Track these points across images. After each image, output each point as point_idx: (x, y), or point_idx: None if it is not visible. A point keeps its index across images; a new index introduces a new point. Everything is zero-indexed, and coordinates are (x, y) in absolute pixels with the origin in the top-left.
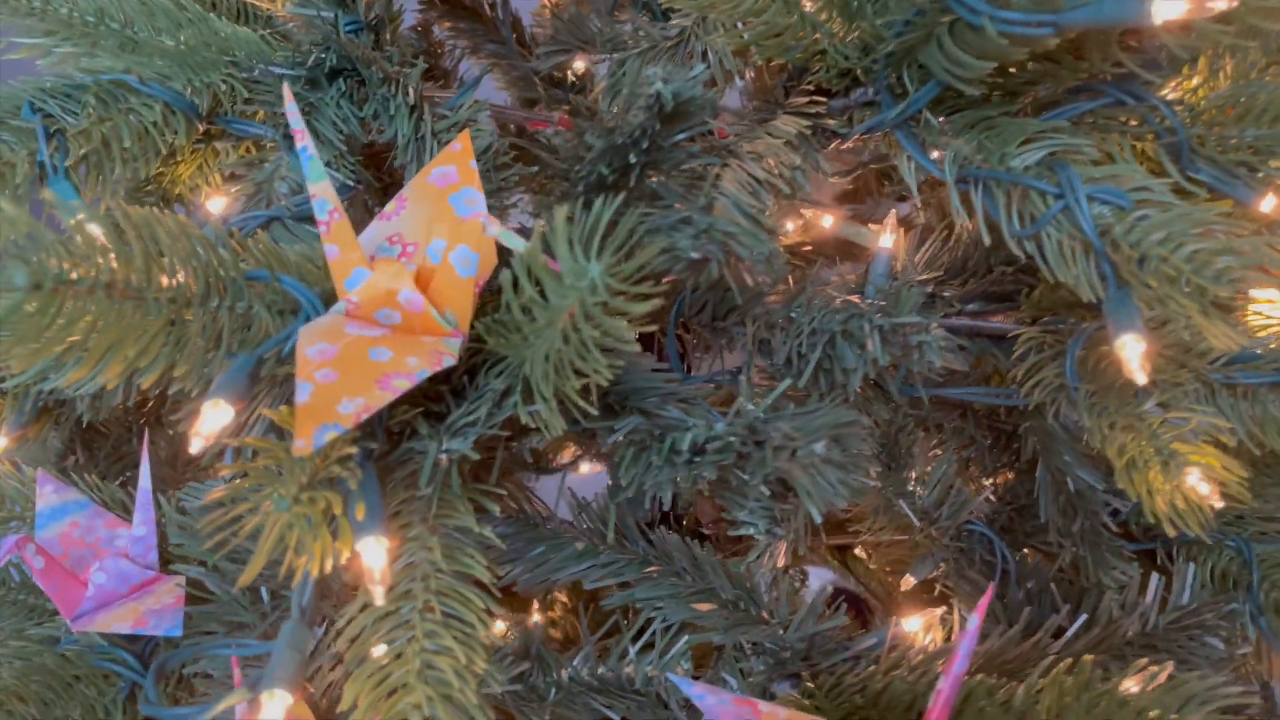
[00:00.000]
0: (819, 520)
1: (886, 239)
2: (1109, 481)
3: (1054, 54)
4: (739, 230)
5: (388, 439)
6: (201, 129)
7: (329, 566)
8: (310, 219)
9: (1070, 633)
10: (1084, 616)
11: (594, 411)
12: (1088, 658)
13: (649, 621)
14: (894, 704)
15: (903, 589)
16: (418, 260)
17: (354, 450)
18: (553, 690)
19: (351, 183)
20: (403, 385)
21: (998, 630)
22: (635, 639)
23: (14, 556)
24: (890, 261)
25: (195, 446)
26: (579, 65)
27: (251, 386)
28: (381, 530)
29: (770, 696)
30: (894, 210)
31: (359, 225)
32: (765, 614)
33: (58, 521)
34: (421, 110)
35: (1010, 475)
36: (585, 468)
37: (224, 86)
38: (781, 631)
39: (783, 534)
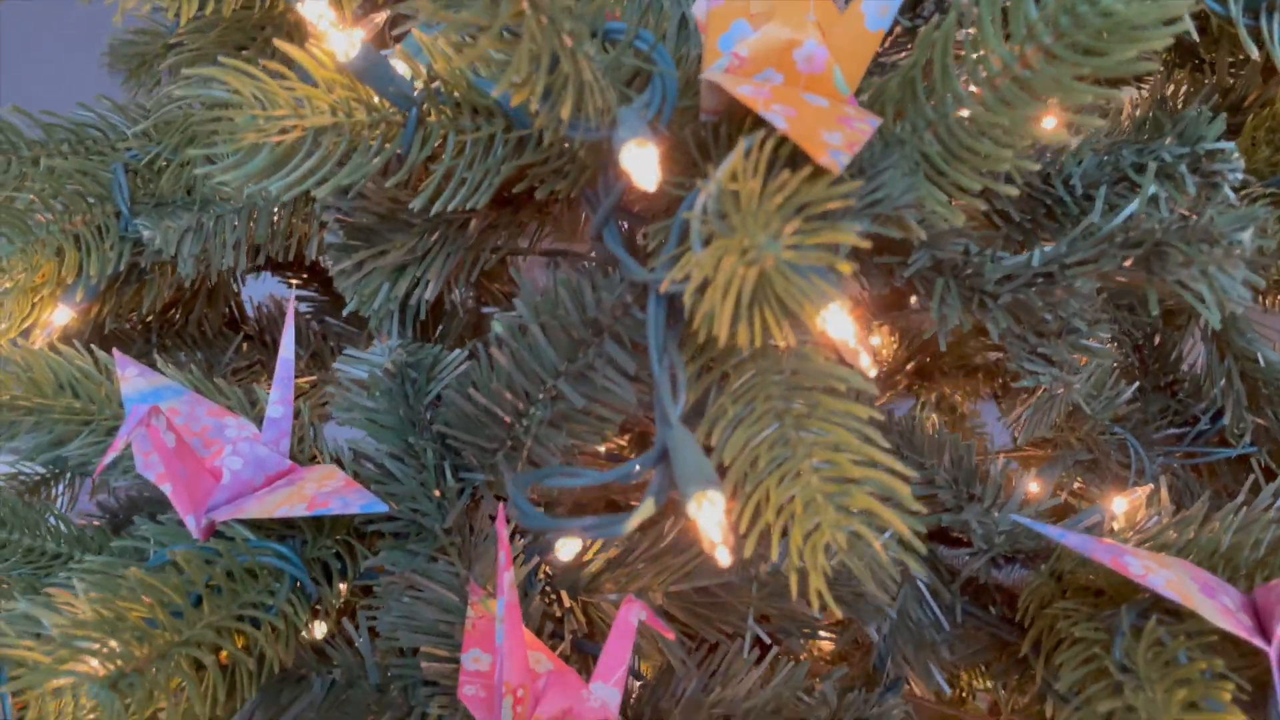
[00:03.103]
0: (1218, 325)
1: None
2: None
3: None
4: None
5: None
6: None
7: (817, 328)
8: None
9: None
10: None
11: (1015, 192)
12: None
13: None
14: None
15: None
16: None
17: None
18: (754, 585)
19: None
20: (865, 129)
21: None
22: None
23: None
24: None
25: (650, 184)
26: None
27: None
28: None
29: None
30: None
31: None
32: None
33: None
34: None
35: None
36: None
37: None
38: (995, 514)
39: (1071, 379)
